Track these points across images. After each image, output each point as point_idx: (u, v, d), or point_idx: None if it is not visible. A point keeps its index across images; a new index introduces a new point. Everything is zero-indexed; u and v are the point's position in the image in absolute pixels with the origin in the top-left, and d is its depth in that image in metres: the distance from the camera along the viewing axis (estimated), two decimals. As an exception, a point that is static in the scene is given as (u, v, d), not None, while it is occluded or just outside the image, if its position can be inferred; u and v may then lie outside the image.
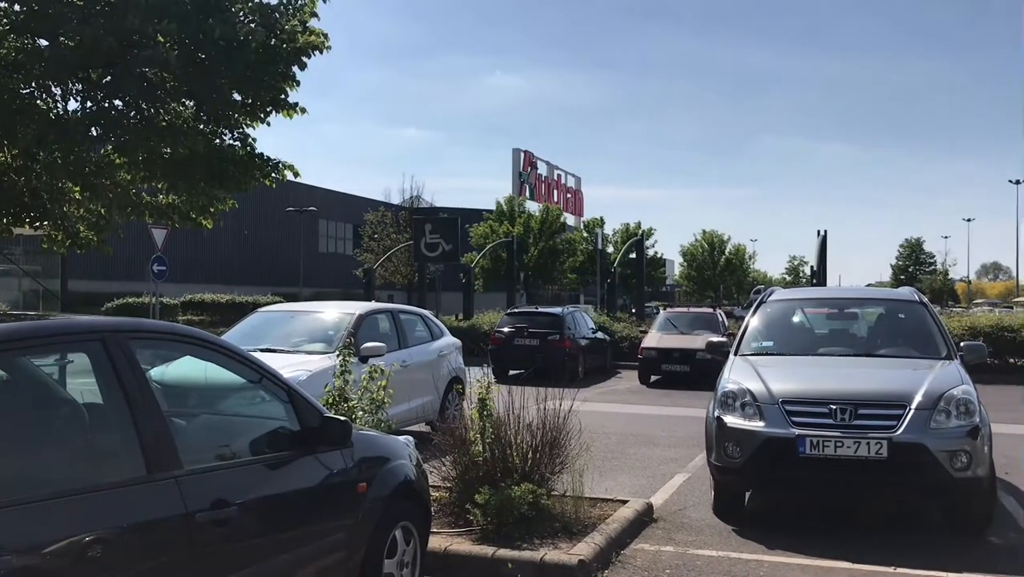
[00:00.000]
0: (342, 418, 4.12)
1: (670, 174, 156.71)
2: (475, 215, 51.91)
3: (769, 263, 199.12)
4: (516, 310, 20.17)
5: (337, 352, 6.85)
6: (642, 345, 18.28)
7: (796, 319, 8.20)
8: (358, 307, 9.85)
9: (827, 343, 7.79)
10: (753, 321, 7.98)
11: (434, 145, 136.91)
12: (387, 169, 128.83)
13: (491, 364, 17.57)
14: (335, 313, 9.74)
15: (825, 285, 27.73)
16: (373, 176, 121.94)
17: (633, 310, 45.57)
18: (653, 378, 17.99)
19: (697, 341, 17.30)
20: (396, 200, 55.30)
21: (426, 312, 11.75)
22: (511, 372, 17.49)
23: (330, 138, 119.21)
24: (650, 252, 58.43)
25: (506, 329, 18.70)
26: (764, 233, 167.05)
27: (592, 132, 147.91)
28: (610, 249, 59.73)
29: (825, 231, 29.54)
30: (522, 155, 64.37)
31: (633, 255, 47.03)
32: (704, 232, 71.15)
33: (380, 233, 48.14)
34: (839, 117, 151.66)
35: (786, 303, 8.34)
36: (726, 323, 20.23)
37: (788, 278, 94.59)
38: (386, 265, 46.74)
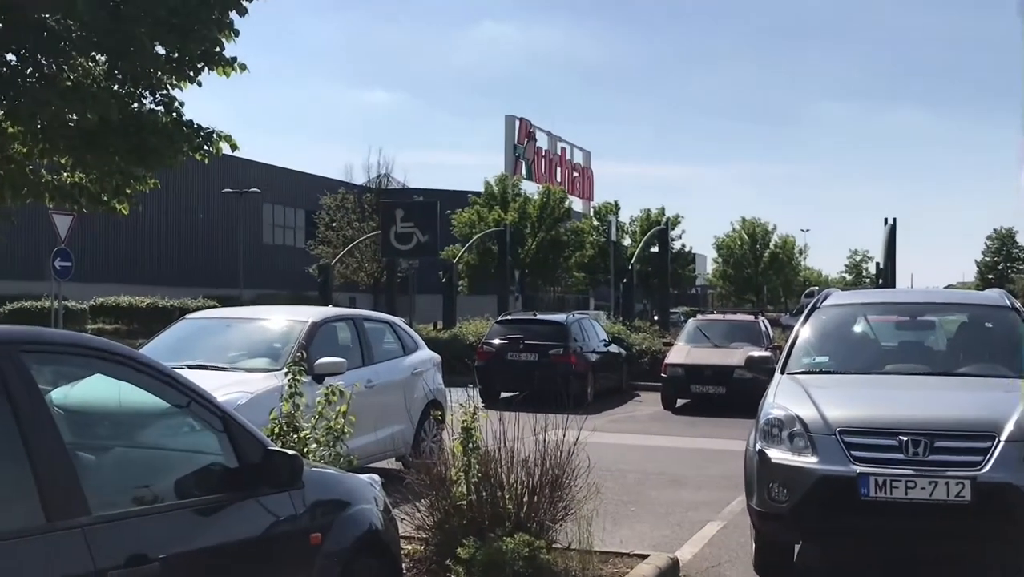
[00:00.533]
0: (291, 452, 4.11)
1: (701, 148, 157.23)
2: (459, 199, 51.94)
3: (824, 259, 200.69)
4: (509, 317, 20.24)
5: (285, 369, 6.84)
6: (666, 361, 18.35)
7: (858, 329, 8.23)
8: (311, 313, 9.86)
9: (896, 359, 7.83)
10: (804, 331, 8.01)
11: (407, 111, 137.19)
12: (349, 141, 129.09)
13: (478, 384, 17.68)
14: (283, 321, 9.75)
15: (894, 286, 27.84)
16: (331, 150, 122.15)
17: (655, 317, 45.71)
18: (680, 402, 18.10)
19: (735, 356, 17.36)
20: (360, 180, 55.24)
21: (397, 320, 11.76)
22: (503, 395, 17.52)
23: (278, 103, 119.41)
24: (677, 245, 58.67)
25: (497, 341, 18.75)
26: (818, 222, 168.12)
27: (604, 96, 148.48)
28: (627, 241, 59.88)
29: (894, 219, 29.64)
30: (517, 124, 64.65)
31: (655, 249, 46.98)
32: (744, 220, 71.54)
33: (340, 221, 48.16)
34: (913, 78, 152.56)
35: (845, 309, 8.37)
36: (771, 334, 20.28)
37: (848, 278, 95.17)
38: (347, 261, 46.72)
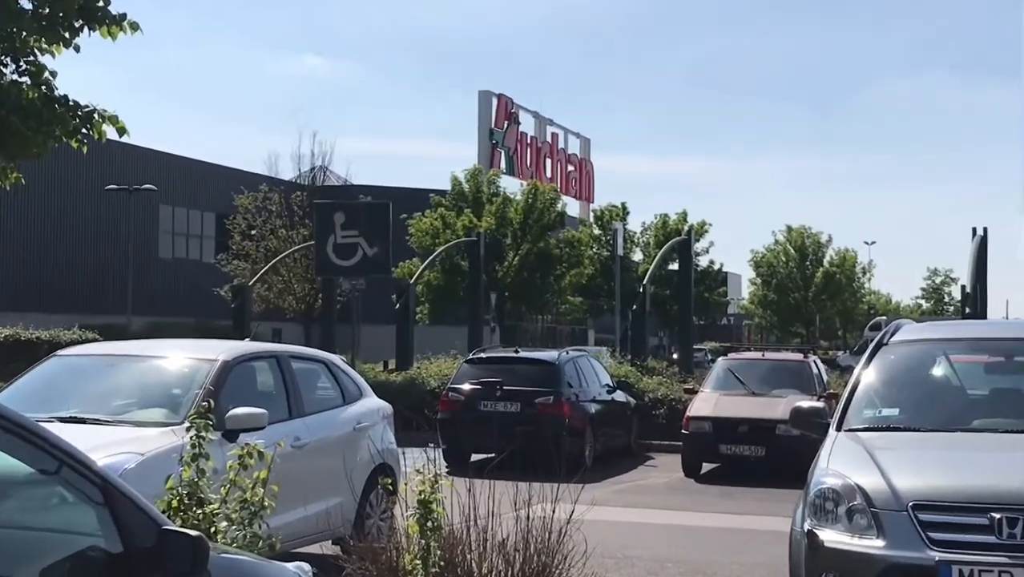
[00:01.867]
0: (193, 533, 4.09)
1: (733, 136, 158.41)
2: (418, 199, 51.94)
3: (894, 280, 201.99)
4: (483, 355, 20.22)
5: (187, 423, 6.82)
6: (689, 413, 18.39)
7: (937, 372, 8.29)
8: (222, 349, 9.82)
9: (986, 411, 7.89)
10: (868, 374, 8.06)
11: (350, 84, 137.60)
12: (274, 124, 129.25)
13: (441, 443, 17.73)
14: (184, 359, 9.72)
15: (984, 317, 28.02)
16: (251, 135, 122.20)
17: (675, 356, 45.78)
18: (706, 467, 18.12)
19: (777, 407, 17.39)
20: (288, 174, 55.40)
21: (335, 358, 11.73)
22: (474, 457, 17.46)
23: (181, 74, 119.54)
24: (703, 261, 58.94)
25: (467, 386, 18.74)
26: (887, 232, 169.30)
27: (607, 67, 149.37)
28: (637, 256, 60.09)
29: (984, 230, 29.91)
30: (494, 102, 64.86)
31: (675, 266, 47.21)
32: (790, 230, 71.88)
33: (261, 228, 48.15)
34: (1004, 49, 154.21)
35: (921, 346, 8.43)
36: (824, 377, 20.30)
37: (925, 305, 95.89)
38: (270, 280, 46.68)
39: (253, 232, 48.11)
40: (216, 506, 6.12)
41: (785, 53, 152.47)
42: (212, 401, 8.46)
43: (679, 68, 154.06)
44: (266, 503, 6.26)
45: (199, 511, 6.06)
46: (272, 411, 9.25)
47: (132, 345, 10.98)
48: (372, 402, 11.33)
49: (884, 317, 69.59)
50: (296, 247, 43.48)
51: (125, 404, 9.17)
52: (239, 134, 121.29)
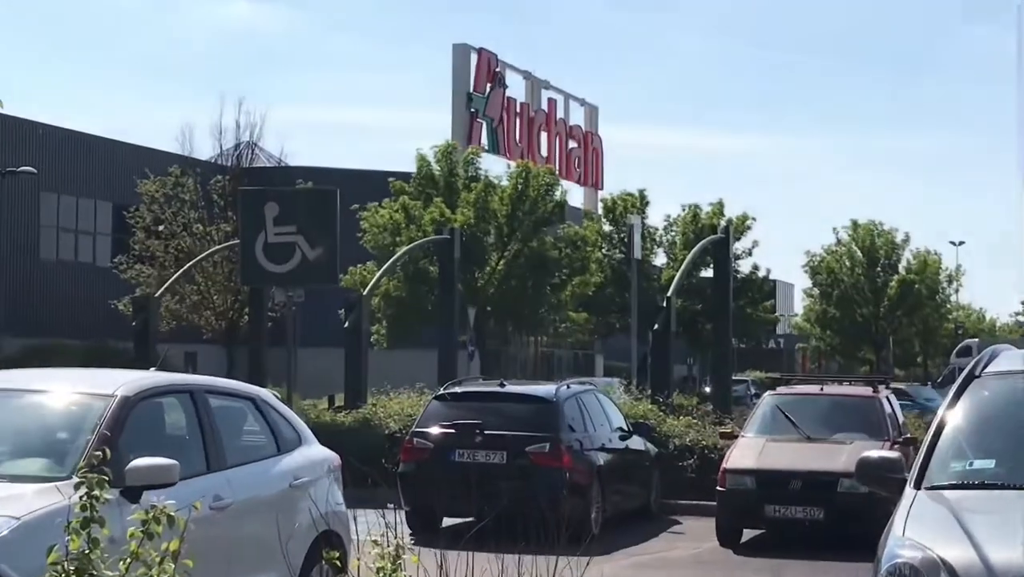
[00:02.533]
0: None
1: (783, 105, 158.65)
2: (373, 184, 51.91)
3: (990, 291, 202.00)
4: (459, 390, 20.17)
5: (75, 477, 6.80)
6: (726, 465, 18.39)
7: (1045, 414, 8.29)
8: (121, 382, 9.79)
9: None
10: (955, 415, 8.08)
11: (287, 37, 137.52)
12: (189, 87, 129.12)
13: (404, 504, 17.64)
14: (72, 395, 9.70)
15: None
16: (160, 102, 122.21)
17: (707, 389, 45.61)
18: (747, 534, 18.12)
19: (839, 457, 17.42)
20: (206, 152, 55.24)
21: (266, 393, 11.69)
22: (446, 521, 17.44)
23: (65, 23, 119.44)
24: (744, 266, 58.94)
25: (436, 430, 18.71)
26: (979, 229, 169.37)
27: (620, 13, 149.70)
28: (659, 259, 60.07)
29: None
30: (474, 58, 64.91)
31: (708, 272, 47.05)
32: (855, 227, 71.83)
33: (171, 222, 48.04)
34: None
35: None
36: (900, 418, 20.29)
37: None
38: (182, 291, 46.55)
39: (161, 228, 47.97)
40: (113, 586, 6.10)
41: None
42: (108, 449, 8.43)
43: (714, 15, 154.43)
44: (178, 582, 6.24)
45: (91, 592, 6.04)
46: (185, 462, 9.21)
47: (3, 376, 10.93)
48: (314, 451, 11.31)
49: (976, 340, 69.63)
50: (216, 247, 43.38)
51: (-5, 453, 9.14)
52: (143, 101, 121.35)
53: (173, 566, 6.22)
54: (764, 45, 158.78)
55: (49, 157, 53.60)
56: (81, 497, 6.43)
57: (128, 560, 6.28)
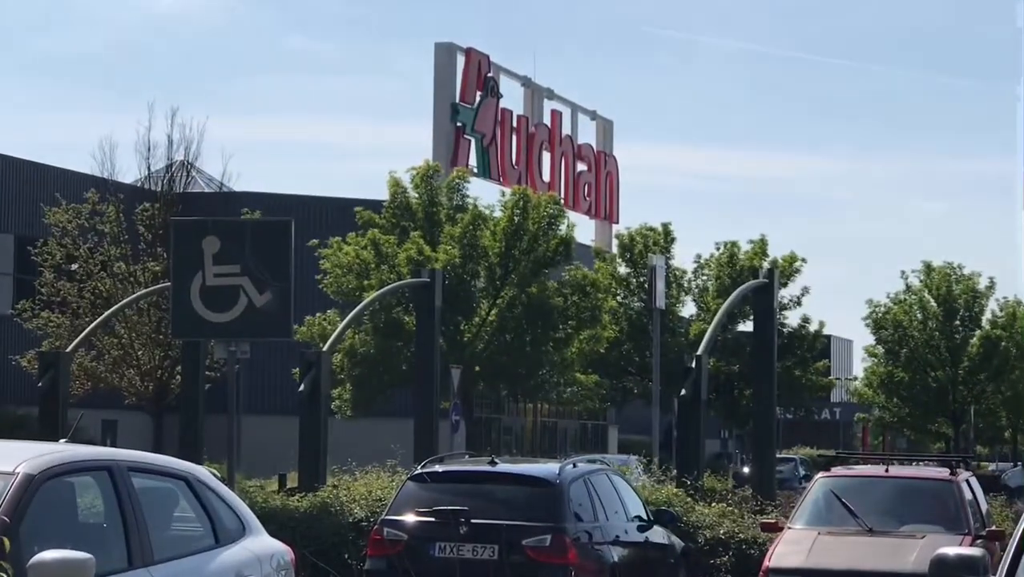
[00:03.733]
0: None
1: (841, 124, 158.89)
2: (336, 215, 52.11)
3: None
4: (440, 468, 20.19)
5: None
6: (770, 564, 18.43)
7: None
8: (24, 457, 9.80)
9: None
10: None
11: (233, 35, 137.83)
12: (110, 95, 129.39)
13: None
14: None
15: None
16: (73, 112, 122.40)
17: (747, 469, 45.43)
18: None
19: (909, 554, 17.45)
20: (130, 175, 55.34)
21: (202, 471, 11.68)
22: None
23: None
24: (793, 319, 59.13)
25: (413, 518, 18.73)
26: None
27: (639, 8, 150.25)
28: (688, 309, 60.12)
29: None
30: (461, 60, 65.00)
31: (747, 325, 46.97)
32: (929, 270, 71.91)
33: (87, 260, 48.11)
34: None
35: None
36: (983, 506, 20.28)
37: None
38: (101, 344, 46.55)
39: (74, 267, 48.07)
40: None
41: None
42: (6, 540, 8.45)
43: (760, 13, 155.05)
44: None
45: None
46: (101, 556, 9.20)
47: None
48: (261, 543, 11.33)
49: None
50: (142, 291, 43.47)
51: None
52: (54, 112, 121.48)
53: None
54: (813, 48, 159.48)
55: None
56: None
57: None
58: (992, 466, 69.73)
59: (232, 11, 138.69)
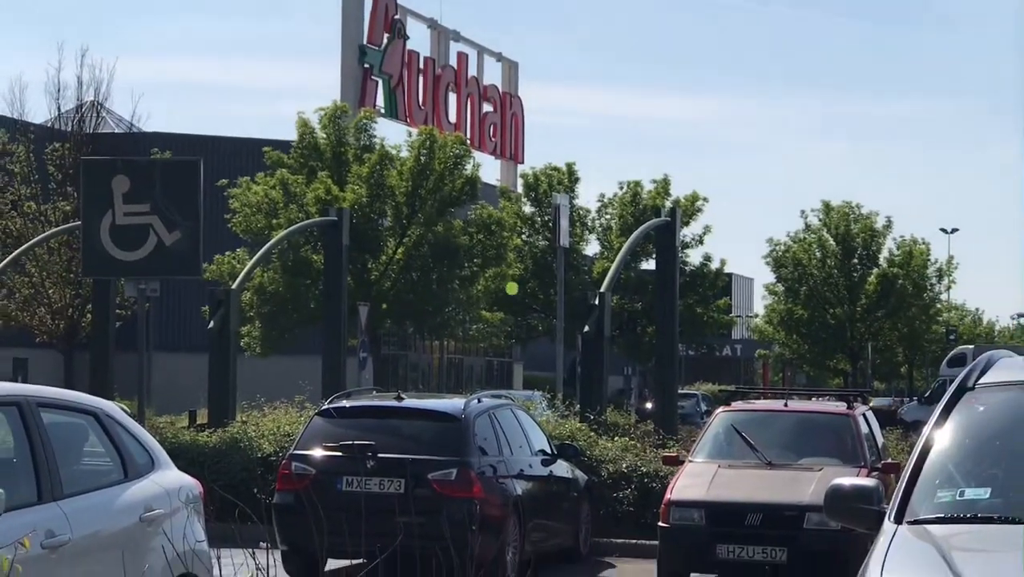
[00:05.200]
0: None
1: (741, 65, 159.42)
2: (245, 155, 51.87)
3: (987, 288, 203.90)
4: (347, 404, 20.17)
5: None
6: (671, 496, 18.47)
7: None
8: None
9: None
10: (945, 435, 8.18)
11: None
12: (19, 35, 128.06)
13: (280, 543, 17.62)
14: None
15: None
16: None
17: (648, 404, 45.69)
18: (696, 578, 18.26)
19: (806, 486, 17.58)
20: (40, 115, 54.88)
21: (111, 407, 11.64)
22: (331, 564, 17.45)
23: None
24: (695, 257, 59.35)
25: (320, 453, 18.73)
26: (974, 215, 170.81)
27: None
28: (592, 247, 60.31)
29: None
30: (367, 1, 64.43)
31: (650, 263, 47.13)
32: (827, 208, 72.31)
33: (-5, 199, 47.74)
34: None
35: (1024, 392, 8.53)
36: (879, 439, 20.47)
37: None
38: (12, 282, 46.23)
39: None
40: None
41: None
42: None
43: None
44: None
45: None
46: (10, 490, 9.17)
47: None
48: (170, 477, 11.31)
49: (971, 347, 70.38)
50: (52, 231, 43.16)
51: None
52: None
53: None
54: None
55: None
56: None
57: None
58: (887, 401, 70.33)
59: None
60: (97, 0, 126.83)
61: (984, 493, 7.87)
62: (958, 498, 7.84)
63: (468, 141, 57.37)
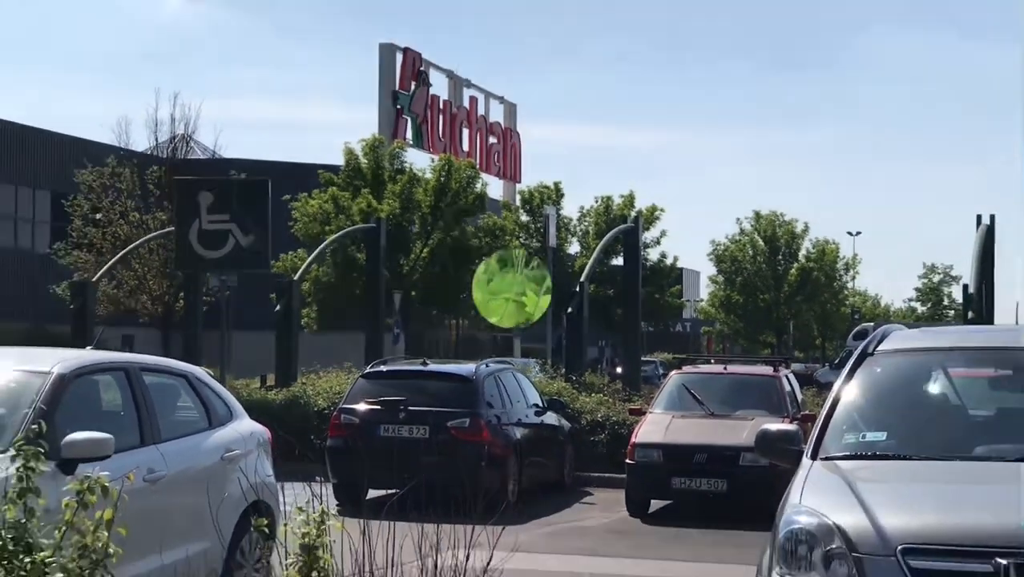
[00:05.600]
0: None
1: (690, 104, 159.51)
2: (303, 176, 51.74)
3: (884, 278, 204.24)
4: (384, 369, 20.18)
5: (11, 450, 6.73)
6: (635, 439, 18.48)
7: (933, 388, 8.42)
8: (58, 360, 9.70)
9: (992, 436, 7.99)
10: (850, 391, 8.16)
11: (222, 33, 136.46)
12: (124, 81, 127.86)
13: (331, 477, 17.66)
14: (9, 372, 9.58)
15: (991, 322, 28.45)
16: (95, 95, 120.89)
17: (619, 369, 45.72)
18: (655, 504, 18.28)
19: (741, 432, 17.55)
20: (142, 144, 54.72)
21: (199, 371, 11.63)
22: (371, 493, 17.42)
23: (3, 18, 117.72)
24: (653, 255, 59.22)
25: (363, 407, 18.69)
26: (875, 221, 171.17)
27: (537, 18, 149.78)
28: (574, 248, 60.16)
29: (992, 219, 30.25)
30: (399, 57, 64.73)
31: (619, 260, 47.24)
32: (758, 217, 72.60)
33: (108, 210, 47.58)
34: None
35: (914, 357, 8.56)
36: (799, 396, 20.47)
37: (921, 308, 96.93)
38: (120, 276, 46.14)
39: (98, 216, 47.50)
40: (49, 553, 6.04)
41: (754, 2, 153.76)
42: (44, 424, 8.37)
43: (626, 20, 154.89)
44: (111, 550, 6.19)
45: (27, 560, 5.97)
46: (119, 436, 9.17)
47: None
48: (245, 426, 11.30)
49: (871, 323, 70.36)
50: (152, 235, 42.96)
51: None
52: (80, 94, 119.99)
53: (107, 534, 6.16)
54: (674, 46, 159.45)
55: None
56: (18, 469, 6.36)
57: (63, 529, 6.22)
58: (804, 366, 70.39)
59: (217, 16, 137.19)
60: (187, 51, 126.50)
61: (881, 436, 7.88)
62: (861, 440, 7.84)
63: (478, 166, 57.36)
